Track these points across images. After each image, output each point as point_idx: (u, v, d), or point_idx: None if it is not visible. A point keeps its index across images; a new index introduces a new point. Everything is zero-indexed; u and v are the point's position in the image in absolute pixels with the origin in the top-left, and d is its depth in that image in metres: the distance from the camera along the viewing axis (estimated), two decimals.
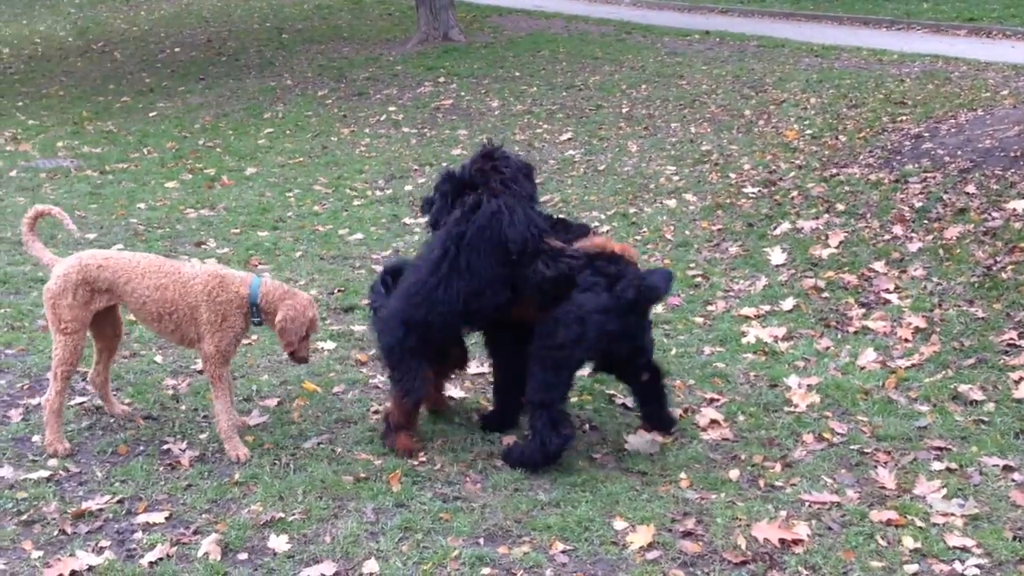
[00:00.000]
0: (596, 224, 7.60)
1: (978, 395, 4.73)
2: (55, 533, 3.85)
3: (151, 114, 13.06)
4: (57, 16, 24.19)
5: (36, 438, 4.54)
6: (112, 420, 4.78)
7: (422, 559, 3.67)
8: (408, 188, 9.07)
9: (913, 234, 6.73)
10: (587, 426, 4.72)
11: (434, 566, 3.62)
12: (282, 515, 3.95)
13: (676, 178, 8.78)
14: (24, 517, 3.93)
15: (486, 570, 3.59)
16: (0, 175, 9.87)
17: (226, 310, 4.32)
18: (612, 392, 5.03)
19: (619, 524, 3.85)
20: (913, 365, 5.11)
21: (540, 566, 3.62)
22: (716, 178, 8.65)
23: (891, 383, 4.92)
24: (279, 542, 3.77)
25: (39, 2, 26.48)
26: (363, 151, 10.62)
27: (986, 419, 4.52)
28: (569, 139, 10.53)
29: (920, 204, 7.15)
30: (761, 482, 4.14)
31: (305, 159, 10.34)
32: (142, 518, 3.95)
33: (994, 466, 4.14)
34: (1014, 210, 6.71)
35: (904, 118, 9.60)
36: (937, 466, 4.17)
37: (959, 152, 8.01)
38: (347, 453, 4.45)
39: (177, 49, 18.58)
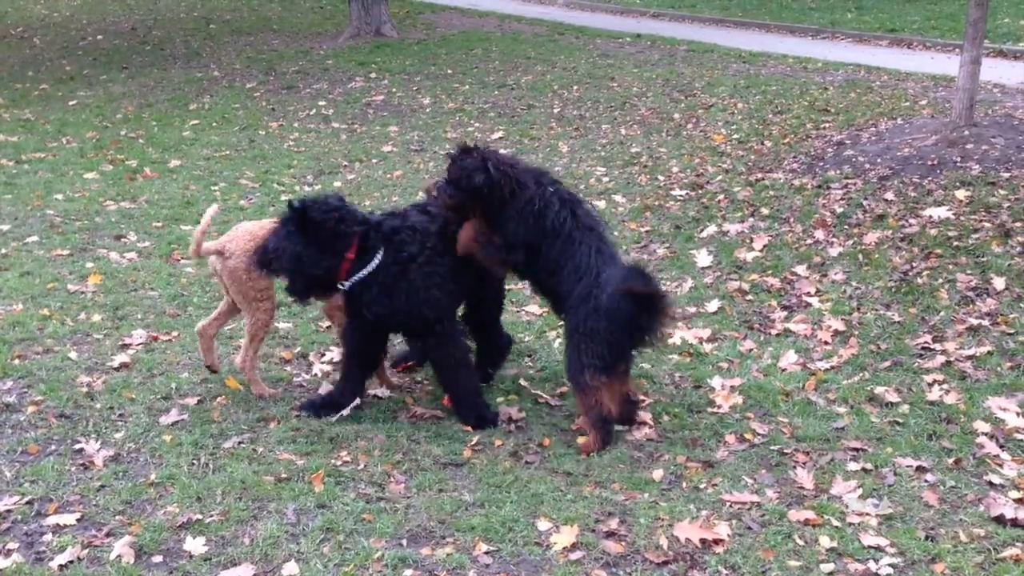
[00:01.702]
0: None
1: (893, 397, 4.85)
2: None
3: (71, 103, 12.66)
4: None
5: None
6: (23, 419, 4.63)
7: (343, 561, 3.62)
8: (337, 184, 8.96)
9: (834, 239, 6.88)
10: (513, 426, 4.71)
11: (356, 568, 3.58)
12: (199, 516, 3.86)
13: (606, 179, 8.84)
14: None
15: (408, 571, 3.56)
16: None
17: None
18: (538, 392, 5.04)
19: (543, 525, 3.85)
20: (832, 367, 5.22)
21: (463, 567, 3.60)
22: (645, 180, 8.74)
23: (811, 385, 5.02)
24: (196, 544, 3.69)
25: None
26: (291, 145, 10.46)
27: (901, 421, 4.64)
28: (500, 138, 10.52)
29: (841, 210, 7.31)
30: (684, 482, 4.19)
31: (232, 152, 10.14)
32: (52, 519, 3.83)
33: (908, 467, 4.25)
34: (930, 217, 6.91)
35: (827, 125, 9.83)
36: (853, 466, 4.27)
37: (879, 160, 8.22)
38: (269, 453, 4.37)
39: (99, 36, 18.07)
